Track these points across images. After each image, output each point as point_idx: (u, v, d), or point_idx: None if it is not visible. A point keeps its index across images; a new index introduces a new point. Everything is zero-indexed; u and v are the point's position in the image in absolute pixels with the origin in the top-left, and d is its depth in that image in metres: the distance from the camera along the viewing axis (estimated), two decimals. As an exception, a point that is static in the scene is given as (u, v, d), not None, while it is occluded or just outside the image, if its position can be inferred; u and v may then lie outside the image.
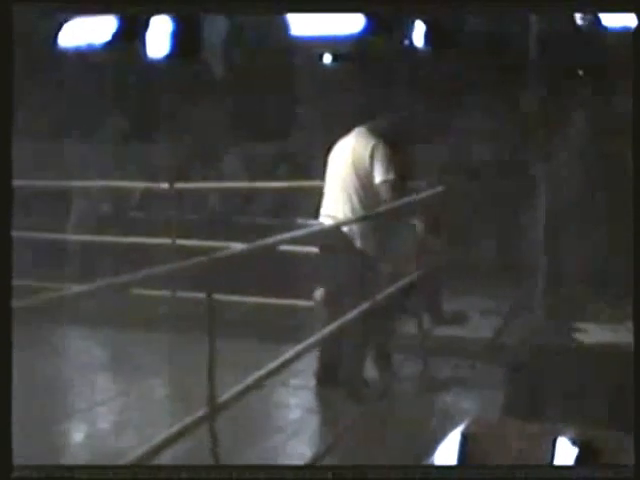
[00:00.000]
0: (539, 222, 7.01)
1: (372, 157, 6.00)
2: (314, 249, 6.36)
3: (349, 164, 6.07)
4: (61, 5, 4.75)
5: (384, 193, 5.99)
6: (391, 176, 5.98)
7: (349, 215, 5.99)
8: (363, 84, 10.18)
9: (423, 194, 6.85)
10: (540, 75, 9.04)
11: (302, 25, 10.95)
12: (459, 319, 7.36)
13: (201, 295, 3.80)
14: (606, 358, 4.38)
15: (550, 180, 6.92)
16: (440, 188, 7.15)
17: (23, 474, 2.90)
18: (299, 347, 4.63)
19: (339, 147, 6.26)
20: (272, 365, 4.30)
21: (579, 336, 4.61)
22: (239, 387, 3.98)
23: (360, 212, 5.98)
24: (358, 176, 6.02)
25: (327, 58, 11.66)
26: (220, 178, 10.08)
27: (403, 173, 6.11)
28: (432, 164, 8.83)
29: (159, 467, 3.38)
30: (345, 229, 5.98)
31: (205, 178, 10.00)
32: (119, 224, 9.18)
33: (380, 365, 6.39)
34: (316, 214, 6.25)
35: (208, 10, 7.75)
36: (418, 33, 10.54)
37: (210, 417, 3.63)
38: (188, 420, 3.63)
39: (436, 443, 3.66)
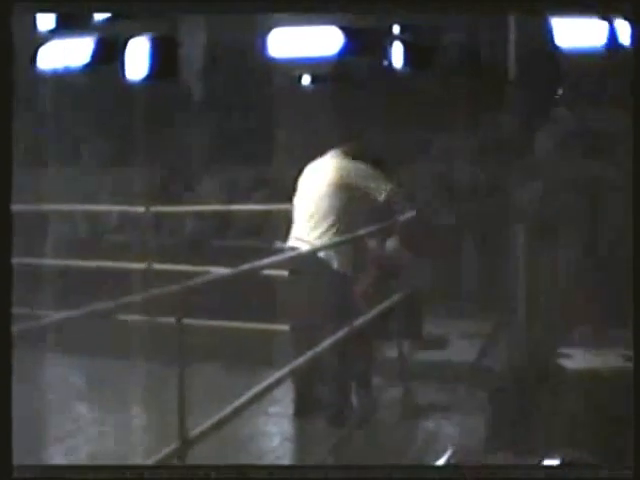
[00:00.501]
0: (521, 244, 6.95)
1: (361, 177, 5.95)
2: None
3: (327, 186, 5.96)
4: (61, 5, 4.68)
5: (395, 204, 6.06)
6: (387, 186, 5.97)
7: (324, 237, 5.88)
8: (343, 105, 10.13)
9: (402, 215, 6.77)
10: (519, 94, 9.02)
11: (281, 46, 10.89)
12: (440, 343, 7.26)
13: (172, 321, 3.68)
14: (591, 383, 4.29)
15: (531, 201, 6.86)
16: (419, 209, 7.08)
17: (23, 474, 2.87)
18: (275, 376, 4.51)
19: (313, 170, 6.16)
20: (246, 397, 4.17)
21: (563, 361, 4.52)
22: (212, 420, 3.84)
23: (338, 234, 5.87)
24: (338, 198, 5.93)
25: (306, 79, 11.60)
26: (198, 201, 9.98)
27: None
28: (411, 185, 8.77)
29: (158, 468, 3.35)
30: (322, 253, 5.86)
31: (183, 201, 9.90)
32: (95, 248, 9.06)
33: (360, 391, 6.27)
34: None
35: (200, 11, 7.71)
36: (397, 53, 10.49)
37: (181, 452, 3.49)
38: (159, 456, 3.48)
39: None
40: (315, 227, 5.95)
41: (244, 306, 7.44)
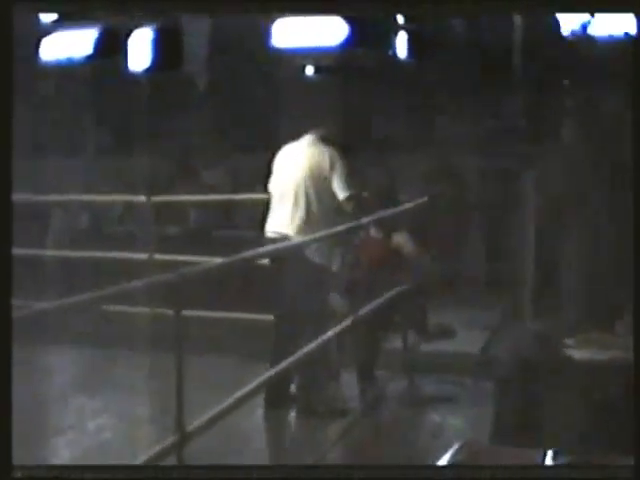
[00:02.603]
0: (528, 232, 6.86)
1: (332, 169, 5.78)
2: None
3: (303, 173, 5.82)
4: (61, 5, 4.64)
5: (349, 209, 5.81)
6: (353, 191, 5.80)
7: (304, 227, 5.76)
8: (347, 95, 10.04)
9: (407, 205, 6.69)
10: (525, 80, 8.93)
11: (285, 37, 10.80)
12: (445, 334, 7.16)
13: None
14: (598, 375, 4.20)
15: (539, 189, 6.77)
16: (424, 199, 6.99)
17: (23, 474, 2.85)
18: (275, 368, 4.44)
19: (287, 156, 6.02)
20: (242, 391, 4.09)
21: (570, 352, 4.42)
22: (209, 414, 3.76)
23: (316, 223, 5.75)
24: (315, 186, 5.80)
25: (310, 70, 11.52)
26: (201, 191, 9.90)
27: (360, 182, 5.96)
28: (416, 174, 8.70)
29: (158, 467, 3.33)
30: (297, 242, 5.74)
31: (186, 191, 9.81)
32: (96, 238, 8.98)
33: (364, 383, 6.20)
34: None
35: (202, 11, 7.64)
36: (401, 43, 10.41)
37: (178, 446, 3.41)
38: (156, 449, 3.40)
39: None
40: (290, 215, 5.81)
41: (233, 296, 7.32)
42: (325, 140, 5.91)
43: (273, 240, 5.80)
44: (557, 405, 4.12)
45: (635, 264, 3.49)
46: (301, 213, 5.79)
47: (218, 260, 4.43)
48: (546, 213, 6.76)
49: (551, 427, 4.07)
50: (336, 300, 6.17)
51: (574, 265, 6.33)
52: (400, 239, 6.39)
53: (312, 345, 5.10)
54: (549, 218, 6.69)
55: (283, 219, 5.85)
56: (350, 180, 5.80)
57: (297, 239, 5.73)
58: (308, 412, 5.85)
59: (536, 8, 5.21)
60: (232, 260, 4.49)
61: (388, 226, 6.38)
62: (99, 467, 3.29)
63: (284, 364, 4.75)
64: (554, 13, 8.52)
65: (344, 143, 6.03)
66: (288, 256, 5.64)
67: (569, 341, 4.45)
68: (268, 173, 6.09)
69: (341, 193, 5.76)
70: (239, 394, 4.04)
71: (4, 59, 2.99)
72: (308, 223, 5.77)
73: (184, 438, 3.44)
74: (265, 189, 6.21)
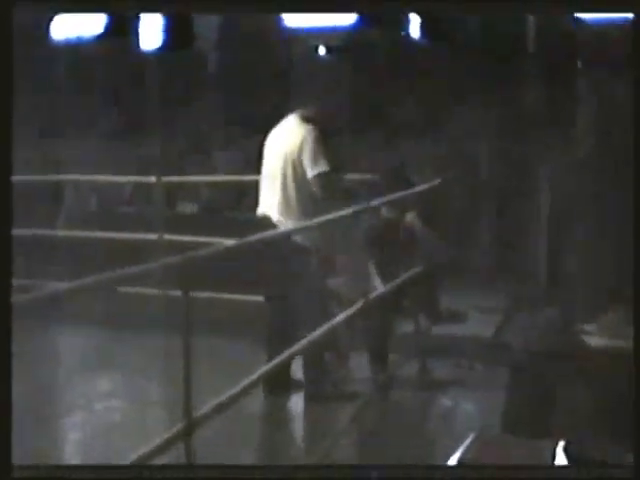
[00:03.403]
0: (541, 217, 6.79)
1: (302, 149, 5.62)
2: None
3: (281, 155, 5.70)
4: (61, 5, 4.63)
5: (316, 188, 5.64)
6: (322, 168, 5.62)
7: (283, 210, 5.65)
8: (359, 77, 9.96)
9: (419, 188, 6.62)
10: (539, 67, 8.83)
11: (296, 17, 10.72)
12: (457, 317, 7.11)
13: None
14: (613, 362, 4.13)
15: (553, 175, 6.69)
16: (437, 181, 6.93)
17: (23, 474, 2.84)
18: (285, 353, 4.38)
19: (272, 137, 5.90)
20: (255, 375, 4.03)
21: (585, 338, 4.36)
22: (217, 400, 3.70)
23: (295, 206, 5.64)
24: (293, 167, 5.65)
25: (322, 50, 11.42)
26: (213, 172, 9.85)
27: (335, 164, 5.73)
28: (428, 158, 8.63)
29: (159, 467, 3.30)
30: (284, 225, 5.63)
31: (198, 172, 9.76)
32: (107, 219, 8.94)
33: (375, 367, 6.15)
34: None
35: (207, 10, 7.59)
36: (414, 25, 10.31)
37: (186, 433, 3.35)
38: (164, 437, 3.35)
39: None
40: (271, 197, 5.73)
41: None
42: (307, 120, 5.73)
43: (260, 222, 5.73)
44: (574, 394, 4.06)
45: (635, 260, 3.43)
46: (279, 195, 5.69)
47: (227, 242, 4.37)
48: (560, 198, 6.70)
49: (567, 418, 4.00)
50: (341, 283, 6.14)
51: (587, 250, 6.27)
52: (413, 220, 6.33)
53: (320, 329, 5.03)
54: (563, 203, 6.63)
55: (268, 201, 5.78)
56: (321, 159, 5.61)
57: (280, 222, 5.64)
58: (316, 396, 5.80)
59: (536, 9, 5.15)
60: (240, 243, 4.43)
61: (400, 207, 6.31)
62: (99, 467, 3.30)
63: (292, 349, 4.67)
64: (553, 14, 8.40)
65: (331, 123, 5.85)
66: (275, 239, 5.51)
67: (587, 327, 4.38)
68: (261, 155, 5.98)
69: (309, 172, 5.62)
70: (247, 381, 3.98)
71: (4, 59, 2.95)
72: (286, 205, 5.66)
73: (191, 426, 3.38)
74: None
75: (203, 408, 3.56)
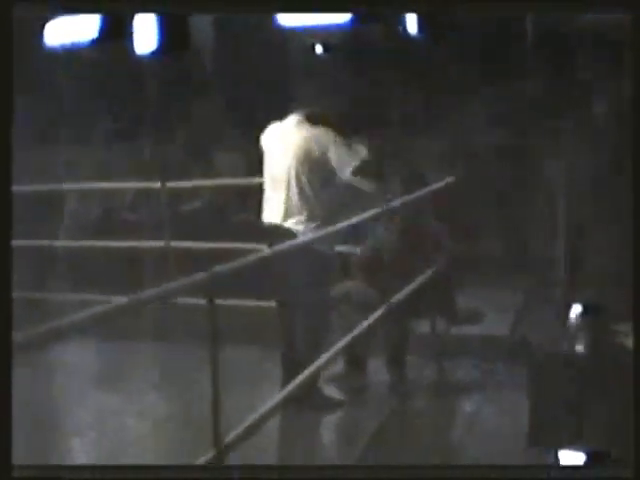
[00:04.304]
0: (558, 212, 6.68)
1: (325, 152, 5.44)
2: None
3: (294, 158, 5.48)
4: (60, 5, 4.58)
5: (360, 184, 5.51)
6: (355, 162, 5.45)
7: (302, 213, 5.49)
8: (357, 74, 9.87)
9: (433, 186, 6.51)
10: (542, 60, 8.74)
11: (293, 16, 10.60)
12: (475, 318, 6.98)
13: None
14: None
15: (569, 169, 6.58)
16: (450, 179, 6.82)
17: (23, 474, 2.83)
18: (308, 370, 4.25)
19: (274, 138, 5.69)
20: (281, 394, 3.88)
21: (617, 338, 4.22)
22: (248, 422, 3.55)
23: (315, 208, 5.48)
24: (308, 171, 5.47)
25: (319, 49, 11.31)
26: (216, 176, 9.73)
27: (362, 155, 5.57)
28: (439, 155, 8.53)
29: (160, 468, 3.29)
30: (296, 230, 5.49)
31: (202, 176, 9.64)
32: (111, 227, 8.83)
33: (393, 369, 6.07)
34: None
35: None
36: (411, 21, 10.19)
37: (217, 460, 3.20)
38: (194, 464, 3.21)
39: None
40: (285, 203, 5.54)
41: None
42: (312, 120, 5.56)
43: (270, 229, 5.58)
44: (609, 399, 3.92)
45: (635, 261, 3.34)
46: (295, 200, 5.51)
47: (241, 246, 4.25)
48: (575, 193, 6.60)
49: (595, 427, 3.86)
50: (359, 289, 6.03)
51: (605, 245, 6.16)
52: (429, 220, 6.25)
53: (348, 337, 4.93)
54: (578, 198, 6.53)
55: (275, 205, 5.59)
56: (350, 154, 5.47)
57: (295, 228, 5.48)
58: (333, 404, 5.71)
59: (535, 9, 5.08)
60: (266, 254, 4.32)
61: (416, 208, 6.20)
62: (99, 467, 3.30)
63: (322, 360, 4.55)
64: (551, 14, 8.29)
65: (333, 121, 5.63)
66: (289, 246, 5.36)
67: (622, 328, 4.23)
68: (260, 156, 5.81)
69: (346, 170, 5.45)
70: (277, 398, 3.84)
71: (4, 59, 2.91)
72: (305, 210, 5.50)
73: (221, 452, 3.23)
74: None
75: (233, 432, 3.40)
